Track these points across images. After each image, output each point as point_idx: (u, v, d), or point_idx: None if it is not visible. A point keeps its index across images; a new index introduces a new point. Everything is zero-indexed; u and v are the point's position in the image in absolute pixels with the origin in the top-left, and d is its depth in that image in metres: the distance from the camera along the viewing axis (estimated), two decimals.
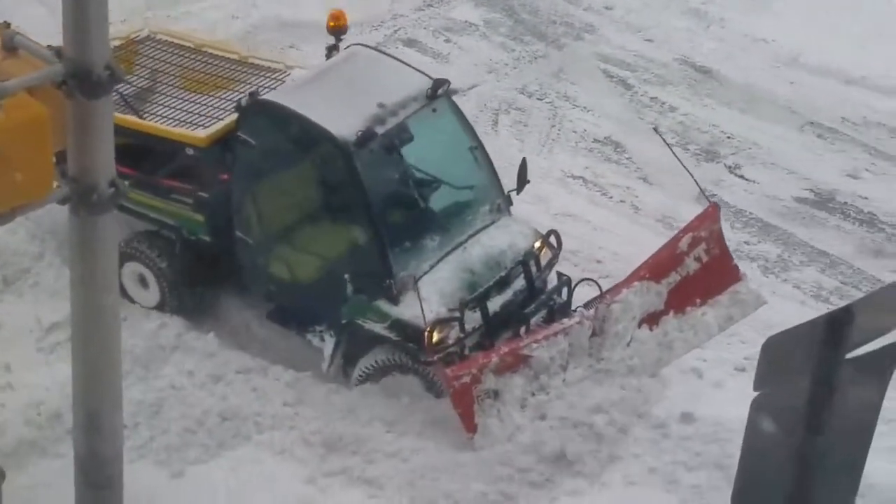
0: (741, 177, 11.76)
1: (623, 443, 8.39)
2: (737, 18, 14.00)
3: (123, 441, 6.09)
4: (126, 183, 5.37)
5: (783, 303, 10.15)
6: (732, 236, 10.98)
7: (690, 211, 11.13)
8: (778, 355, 4.86)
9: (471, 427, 8.07)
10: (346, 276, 8.45)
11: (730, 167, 11.88)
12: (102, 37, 5.06)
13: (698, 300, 8.90)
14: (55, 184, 5.20)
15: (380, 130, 8.37)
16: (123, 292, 9.10)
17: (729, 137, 12.27)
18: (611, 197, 11.37)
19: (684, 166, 9.23)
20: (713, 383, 9.03)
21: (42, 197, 5.13)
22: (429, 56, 13.01)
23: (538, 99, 12.58)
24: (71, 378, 5.80)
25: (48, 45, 5.16)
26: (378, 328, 8.43)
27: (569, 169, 11.63)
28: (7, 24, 5.19)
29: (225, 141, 8.81)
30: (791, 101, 12.82)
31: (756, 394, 5.05)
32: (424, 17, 13.71)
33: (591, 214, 11.07)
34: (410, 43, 13.19)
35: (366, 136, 8.28)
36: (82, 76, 5.05)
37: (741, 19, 13.98)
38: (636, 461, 8.29)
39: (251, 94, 8.64)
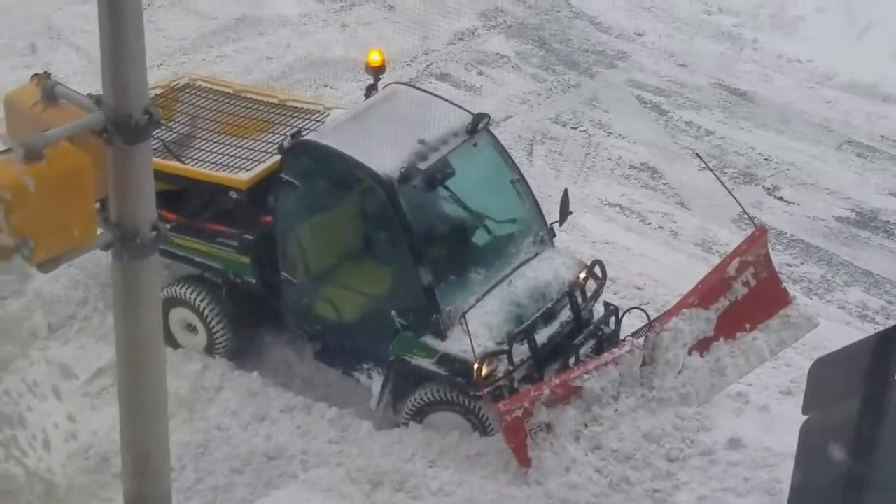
0: (780, 198, 11.70)
1: (672, 472, 8.33)
2: (770, 40, 13.96)
3: (171, 483, 6.11)
4: (167, 226, 5.41)
5: (828, 324, 10.04)
6: (774, 258, 10.85)
7: (729, 235, 11.11)
8: (826, 378, 4.81)
9: (524, 461, 8.04)
10: (393, 312, 8.45)
11: (768, 189, 11.82)
12: (140, 83, 5.13)
13: (748, 325, 8.84)
14: (98, 230, 5.25)
15: (422, 166, 8.41)
16: (170, 338, 9.16)
17: (766, 159, 12.21)
18: (649, 223, 11.34)
19: (729, 191, 9.19)
20: (759, 408, 8.95)
21: (86, 243, 5.18)
22: (462, 89, 13.05)
23: (572, 128, 12.58)
24: (118, 422, 5.83)
25: (88, 94, 5.23)
26: (426, 364, 8.40)
27: (605, 197, 11.61)
28: (48, 75, 5.28)
29: (267, 183, 8.86)
30: (828, 121, 12.74)
31: (805, 417, 4.99)
32: (456, 50, 13.77)
33: (630, 241, 11.04)
34: (443, 77, 13.24)
35: (409, 173, 8.34)
36: (122, 122, 5.11)
37: (774, 40, 13.94)
38: (685, 489, 8.22)
39: (293, 136, 8.70)
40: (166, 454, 5.91)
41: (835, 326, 9.99)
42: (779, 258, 10.89)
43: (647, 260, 10.80)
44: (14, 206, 4.81)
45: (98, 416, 8.50)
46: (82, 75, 12.30)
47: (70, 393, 8.86)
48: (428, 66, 13.40)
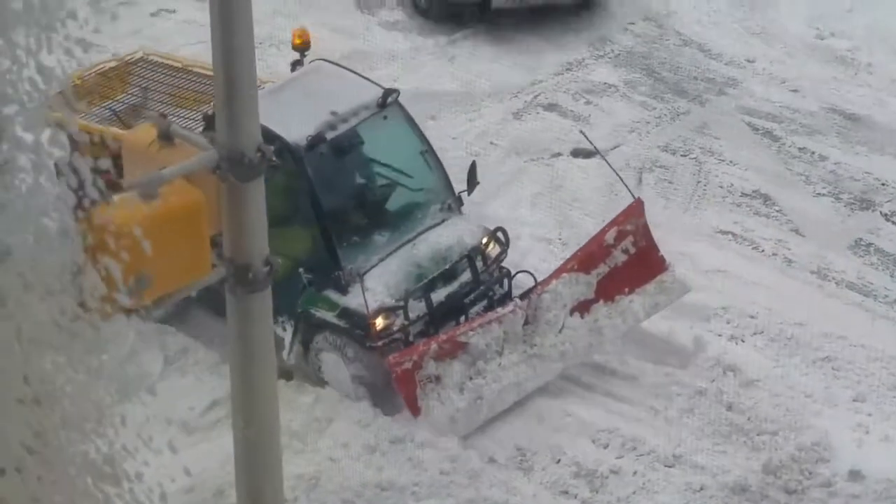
0: None
1: None
2: (884, 63, 13.66)
3: None
4: (279, 260, 5.50)
5: None
6: (893, 286, 10.63)
7: (846, 261, 10.87)
8: None
9: (415, 410, 8.73)
10: (301, 269, 9.12)
11: (886, 215, 11.53)
12: (253, 122, 5.24)
13: (626, 289, 9.53)
14: (212, 265, 5.36)
15: (330, 135, 9.15)
16: None
17: (883, 185, 11.92)
18: (762, 251, 11.14)
19: (604, 157, 10.07)
20: (881, 438, 8.76)
21: (200, 278, 5.29)
22: (569, 119, 13.02)
23: (682, 156, 12.45)
24: (232, 454, 5.92)
25: (202, 132, 5.35)
26: (328, 316, 9.10)
27: (717, 224, 11.45)
28: (164, 115, 5.42)
29: None
30: None
31: None
32: (564, 81, 13.75)
33: (742, 269, 10.87)
34: (550, 107, 13.22)
35: (315, 140, 9.07)
36: (235, 160, 5.22)
37: (888, 64, 13.63)
38: None
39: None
40: (280, 486, 5.97)
41: None
42: None
43: (761, 287, 10.62)
44: (132, 243, 4.93)
45: (212, 448, 8.63)
46: None
47: (186, 424, 9.03)
48: (535, 96, 13.40)
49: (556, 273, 9.40)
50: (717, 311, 10.27)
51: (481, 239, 9.46)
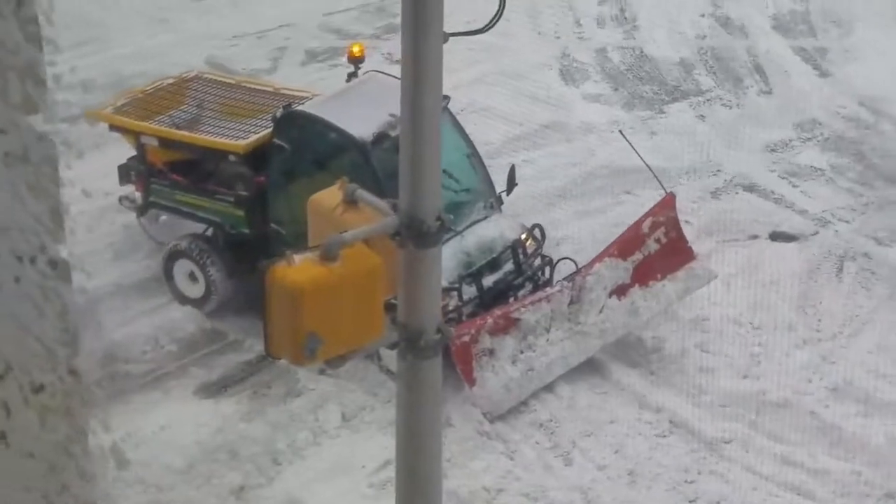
0: None
1: None
2: None
3: None
4: (452, 330, 5.53)
5: None
6: None
7: None
8: None
9: (470, 381, 9.41)
10: None
11: None
12: (435, 192, 5.33)
13: (659, 275, 10.42)
14: (385, 329, 5.42)
15: (392, 133, 9.66)
16: (174, 287, 10.89)
17: None
18: None
19: (642, 158, 10.83)
20: None
21: (373, 342, 5.35)
22: (769, 201, 12.69)
23: (887, 246, 11.94)
24: None
25: (386, 199, 5.47)
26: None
27: None
28: (348, 180, 5.58)
29: (260, 150, 10.47)
30: None
31: None
32: (767, 161, 13.44)
33: None
34: (750, 188, 12.92)
35: (380, 137, 9.83)
36: (415, 227, 5.30)
37: None
38: None
39: (285, 107, 10.42)
40: None
41: None
42: None
43: None
44: (309, 303, 5.05)
45: None
46: None
47: (356, 483, 9.12)
48: (733, 176, 13.13)
49: (599, 258, 10.27)
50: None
51: (520, 234, 10.43)
